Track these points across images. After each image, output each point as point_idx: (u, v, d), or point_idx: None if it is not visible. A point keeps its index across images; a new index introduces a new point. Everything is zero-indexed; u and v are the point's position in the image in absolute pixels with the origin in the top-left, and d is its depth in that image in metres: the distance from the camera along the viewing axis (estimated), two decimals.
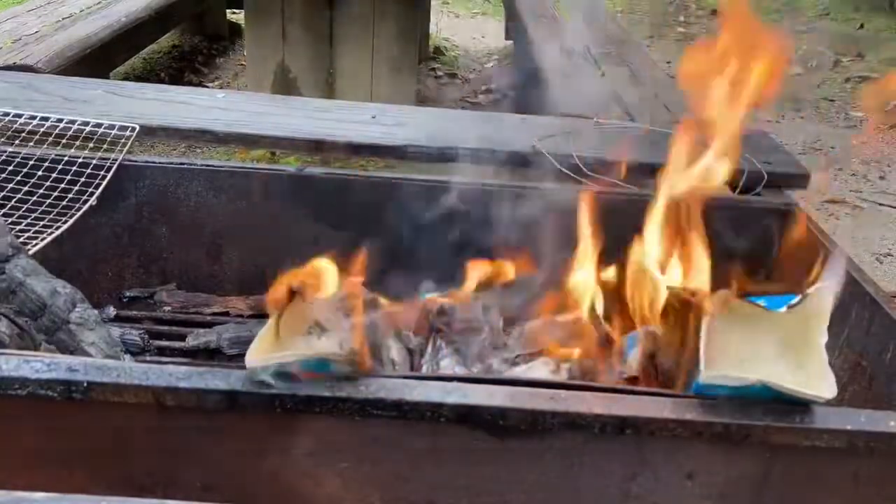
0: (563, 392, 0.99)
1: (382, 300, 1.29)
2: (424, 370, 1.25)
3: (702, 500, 1.00)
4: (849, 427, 0.96)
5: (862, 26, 5.63)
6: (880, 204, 3.04)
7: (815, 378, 0.98)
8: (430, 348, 1.28)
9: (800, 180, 1.90)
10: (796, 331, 1.03)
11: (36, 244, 1.44)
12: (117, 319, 1.59)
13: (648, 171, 2.02)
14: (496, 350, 1.29)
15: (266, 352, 0.97)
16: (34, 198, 1.55)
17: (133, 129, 1.77)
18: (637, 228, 1.41)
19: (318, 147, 2.09)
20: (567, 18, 3.85)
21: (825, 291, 1.03)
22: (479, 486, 1.00)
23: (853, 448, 0.96)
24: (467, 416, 0.96)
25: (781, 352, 1.03)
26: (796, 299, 1.05)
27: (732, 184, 1.90)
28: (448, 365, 1.23)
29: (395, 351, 1.24)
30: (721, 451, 0.98)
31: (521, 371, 1.23)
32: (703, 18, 6.22)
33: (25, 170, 1.58)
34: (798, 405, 0.97)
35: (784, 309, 1.07)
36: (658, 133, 2.18)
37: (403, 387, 0.97)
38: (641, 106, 2.57)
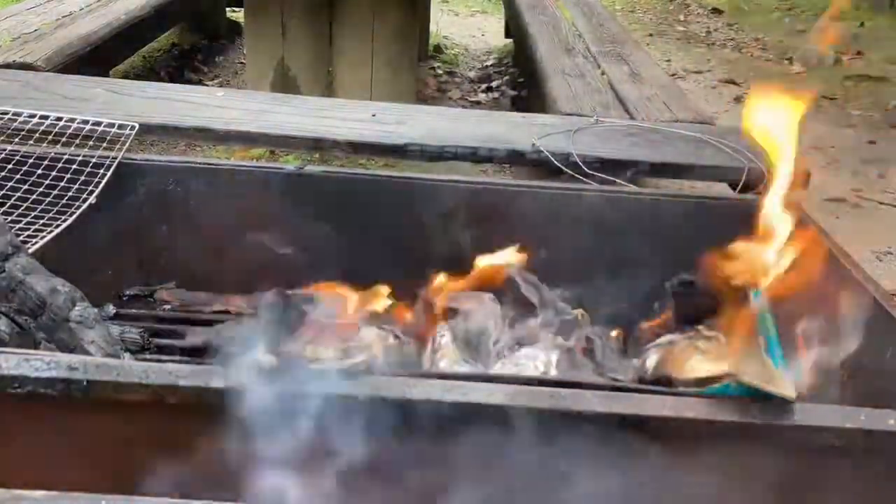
0: (562, 390, 0.99)
1: (381, 298, 1.29)
2: (425, 368, 1.25)
3: (702, 498, 1.00)
4: (848, 425, 0.96)
5: (862, 24, 5.63)
6: (880, 202, 3.04)
7: (776, 378, 0.99)
8: (430, 346, 1.29)
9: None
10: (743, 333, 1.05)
11: (35, 242, 1.44)
12: (117, 318, 1.58)
13: (648, 170, 2.03)
14: (496, 345, 1.29)
15: None
16: (34, 196, 1.54)
17: (132, 128, 1.77)
18: (636, 227, 1.41)
19: (317, 145, 2.09)
20: (567, 16, 3.85)
21: (762, 297, 1.04)
22: (478, 485, 1.00)
23: (853, 446, 0.96)
24: (467, 414, 0.96)
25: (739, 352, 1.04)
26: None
27: (733, 183, 1.91)
28: (447, 365, 1.23)
29: (393, 350, 1.25)
30: (721, 450, 0.98)
31: (518, 369, 1.23)
32: (703, 17, 6.22)
33: (25, 168, 1.58)
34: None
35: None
36: (657, 131, 2.18)
37: (404, 385, 0.97)
38: (641, 104, 2.57)
